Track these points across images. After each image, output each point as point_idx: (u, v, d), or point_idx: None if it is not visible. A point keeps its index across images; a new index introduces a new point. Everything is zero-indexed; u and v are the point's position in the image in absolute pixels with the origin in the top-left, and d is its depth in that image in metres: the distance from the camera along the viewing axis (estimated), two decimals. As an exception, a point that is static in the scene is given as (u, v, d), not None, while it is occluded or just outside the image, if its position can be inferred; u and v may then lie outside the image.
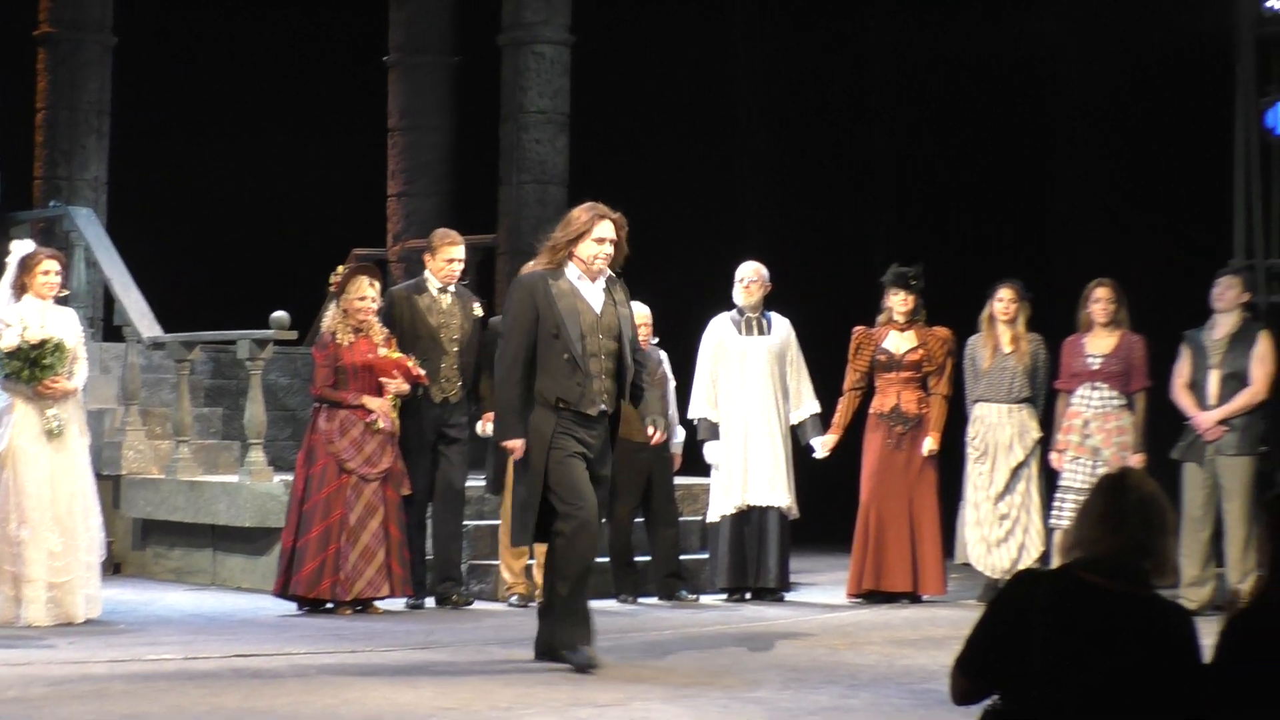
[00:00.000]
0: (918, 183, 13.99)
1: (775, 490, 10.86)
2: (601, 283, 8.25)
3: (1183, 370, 10.64)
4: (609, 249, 8.17)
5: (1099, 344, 10.72)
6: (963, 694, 4.86)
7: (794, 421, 11.05)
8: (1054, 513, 10.58)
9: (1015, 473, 10.87)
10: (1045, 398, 10.99)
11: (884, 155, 14.15)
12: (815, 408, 11.07)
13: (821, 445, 11.01)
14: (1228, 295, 10.55)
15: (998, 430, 10.89)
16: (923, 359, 10.93)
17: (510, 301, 8.31)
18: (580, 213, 8.20)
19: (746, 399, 10.92)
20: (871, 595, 10.84)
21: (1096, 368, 10.67)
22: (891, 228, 13.96)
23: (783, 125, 14.05)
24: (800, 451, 11.07)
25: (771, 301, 11.07)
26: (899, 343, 10.96)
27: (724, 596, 10.93)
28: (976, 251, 13.07)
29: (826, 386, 11.17)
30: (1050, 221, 13.72)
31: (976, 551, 10.88)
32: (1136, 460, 10.51)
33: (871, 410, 10.98)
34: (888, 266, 11.13)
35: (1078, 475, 10.49)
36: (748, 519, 10.86)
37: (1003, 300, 10.93)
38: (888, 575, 10.85)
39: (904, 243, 12.69)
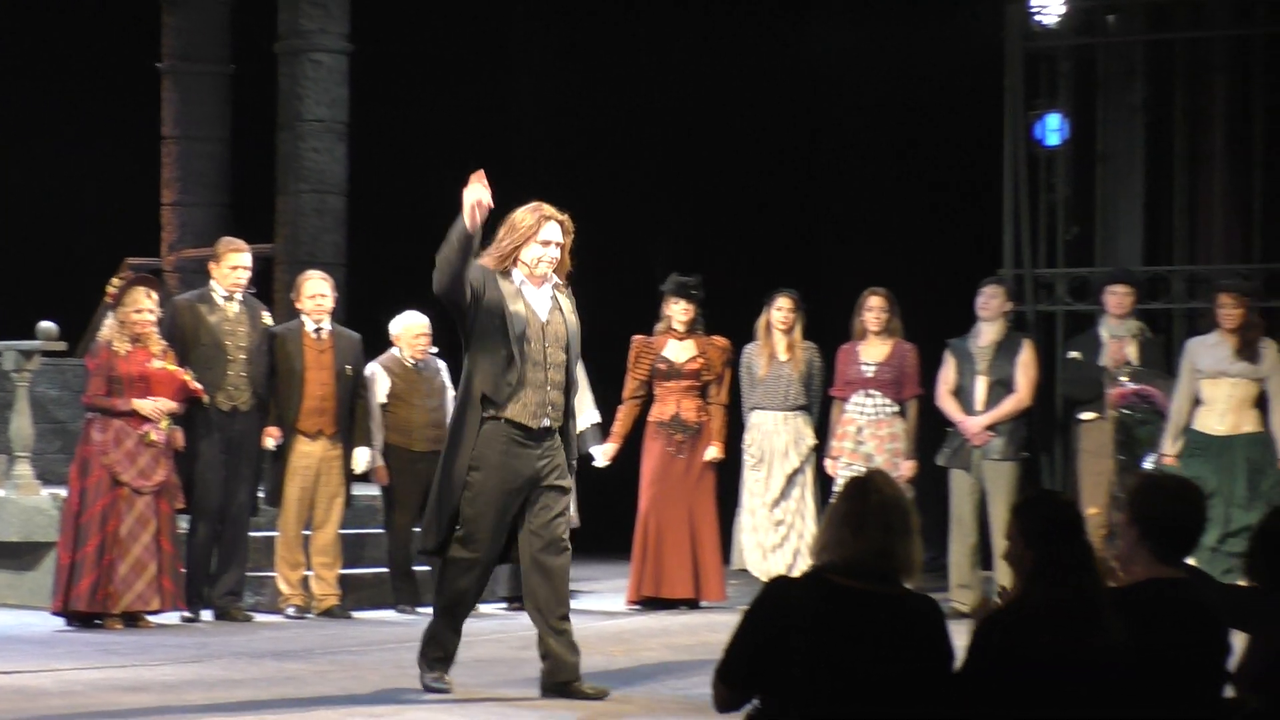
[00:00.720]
0: (696, 194, 14.14)
1: (558, 502, 10.92)
2: (548, 289, 7.69)
3: (947, 377, 10.91)
4: (555, 252, 7.63)
5: (872, 352, 10.96)
6: (724, 702, 4.93)
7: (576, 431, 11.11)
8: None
9: (791, 479, 11.05)
10: (820, 405, 11.19)
11: (664, 167, 14.30)
12: (595, 417, 11.16)
13: (602, 454, 11.11)
14: (992, 304, 10.84)
15: (774, 437, 11.06)
16: (702, 368, 11.07)
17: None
18: (525, 214, 7.64)
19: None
20: (651, 602, 10.95)
21: (870, 375, 10.90)
22: (671, 238, 14.10)
23: (563, 136, 14.14)
24: (581, 460, 11.13)
25: (550, 311, 11.11)
26: (678, 352, 11.10)
27: (504, 605, 10.97)
28: (753, 261, 13.24)
29: (606, 396, 11.27)
30: (825, 232, 13.96)
31: (753, 557, 11.04)
32: (908, 467, 10.77)
33: (651, 419, 11.10)
34: (667, 276, 11.26)
35: (851, 481, 10.68)
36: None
37: (780, 309, 11.12)
38: (667, 582, 10.98)
39: (683, 253, 12.83)
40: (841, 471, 10.83)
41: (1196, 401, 10.47)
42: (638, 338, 11.19)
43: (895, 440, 10.89)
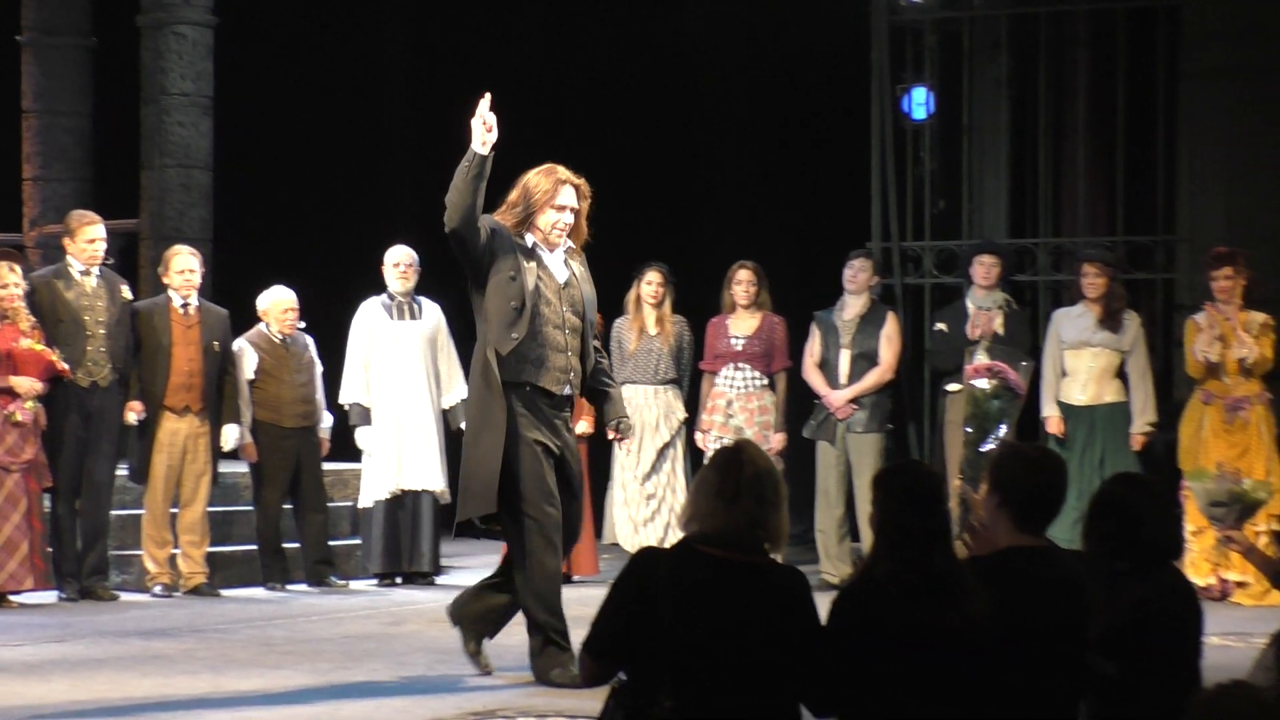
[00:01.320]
0: (565, 166, 14.15)
1: (429, 474, 10.97)
2: (560, 254, 7.46)
3: (813, 350, 11.04)
4: (569, 218, 7.38)
5: (741, 325, 11.05)
6: (591, 675, 4.96)
7: (445, 406, 11.15)
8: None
9: (661, 453, 11.13)
10: (690, 379, 11.27)
11: (531, 138, 14.30)
12: (466, 392, 11.17)
13: (472, 431, 11.12)
14: (859, 277, 10.97)
15: (644, 411, 11.12)
16: (571, 343, 11.12)
17: None
18: (539, 177, 7.38)
19: (399, 384, 10.99)
20: (523, 578, 10.99)
21: (739, 349, 11.00)
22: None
23: (431, 107, 14.10)
24: (452, 435, 11.18)
25: (422, 286, 11.16)
26: (547, 327, 11.13)
27: (375, 582, 10.99)
28: (622, 235, 13.23)
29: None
30: (695, 205, 14.01)
31: (624, 531, 11.13)
32: (778, 440, 10.88)
33: (499, 393, 11.11)
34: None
35: (722, 454, 10.76)
36: (401, 504, 10.94)
37: (650, 283, 11.18)
38: (540, 557, 11.01)
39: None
40: (712, 445, 10.92)
41: (1063, 372, 10.69)
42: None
43: (765, 413, 11.00)
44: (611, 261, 11.68)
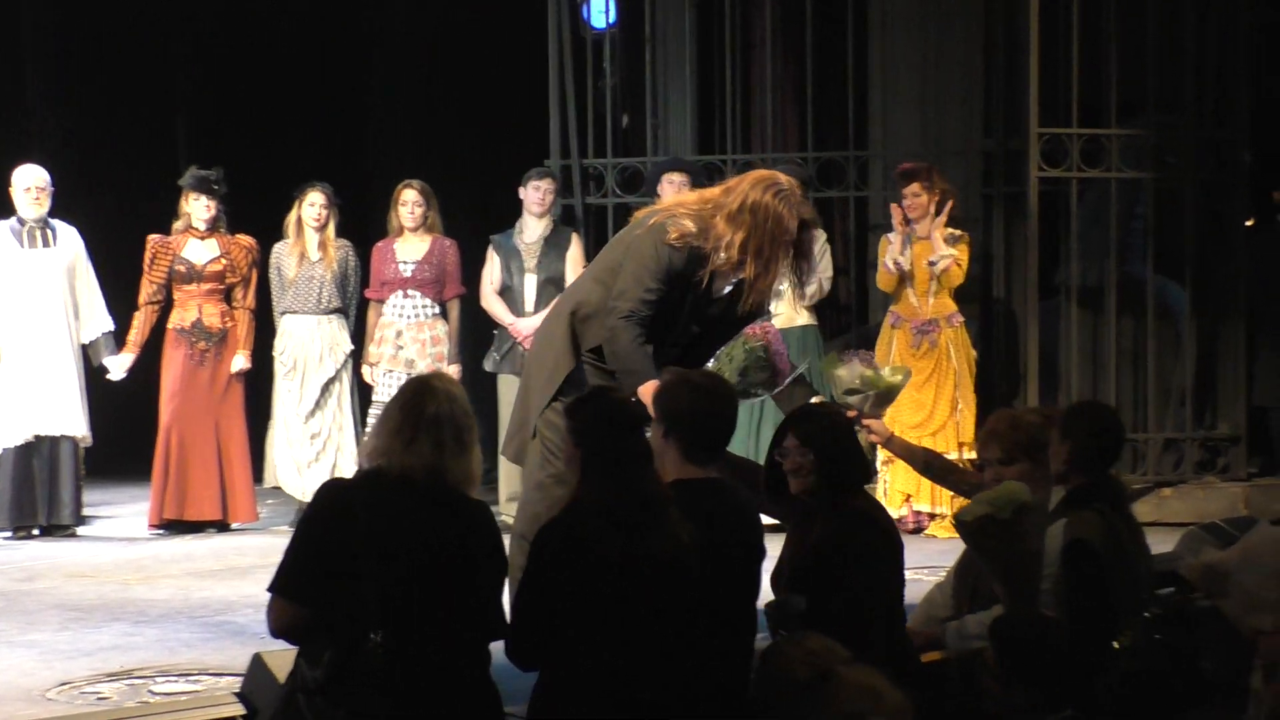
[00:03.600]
0: (219, 79, 13.72)
1: (68, 418, 10.51)
2: None
3: (492, 276, 10.83)
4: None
5: (410, 250, 10.78)
6: (286, 621, 4.85)
7: (85, 341, 10.70)
8: (369, 431, 10.59)
9: (326, 389, 10.83)
10: (358, 308, 11.00)
11: (181, 51, 13.84)
12: (108, 325, 10.75)
13: (117, 365, 10.72)
14: (539, 197, 10.80)
15: (307, 344, 10.82)
16: (226, 269, 10.76)
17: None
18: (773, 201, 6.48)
19: (31, 319, 10.50)
20: (176, 525, 10.64)
21: (408, 275, 10.73)
22: (191, 128, 13.67)
23: (71, 24, 13.52)
24: (93, 373, 10.74)
25: (55, 209, 10.67)
26: (200, 252, 10.76)
27: (8, 535, 10.50)
28: (281, 154, 12.92)
29: (120, 301, 10.86)
30: (360, 122, 13.73)
31: (287, 475, 10.81)
32: (454, 371, 10.64)
33: (170, 325, 10.75)
34: (186, 169, 10.89)
35: (392, 389, 10.52)
36: (36, 450, 10.48)
37: (313, 205, 10.80)
38: (192, 503, 10.69)
39: (203, 144, 12.43)
40: (380, 379, 10.67)
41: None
42: (153, 237, 10.78)
43: (438, 344, 10.76)
44: (271, 182, 11.46)
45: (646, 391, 6.02)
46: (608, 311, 6.43)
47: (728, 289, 6.55)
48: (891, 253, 10.44)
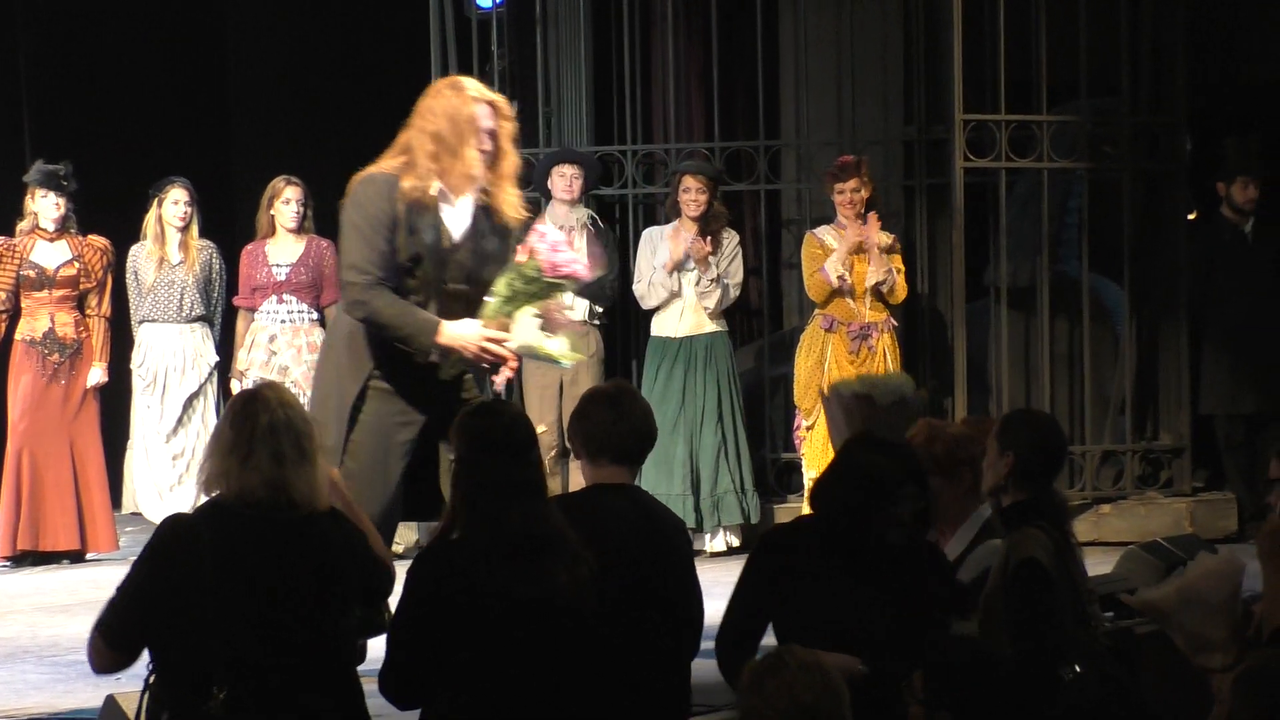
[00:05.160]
0: (68, 68, 13.28)
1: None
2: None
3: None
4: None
5: (283, 252, 10.53)
6: (107, 664, 4.76)
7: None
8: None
9: (189, 405, 10.67)
10: (223, 316, 10.78)
11: (27, 34, 13.37)
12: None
13: (-46, 380, 10.32)
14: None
15: (168, 356, 10.64)
16: (79, 274, 10.44)
17: None
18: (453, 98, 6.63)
19: None
20: (28, 557, 10.32)
21: (283, 279, 10.47)
22: (37, 119, 13.19)
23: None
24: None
25: None
26: (50, 255, 10.46)
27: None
28: (139, 145, 12.54)
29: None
30: (224, 111, 13.35)
31: (147, 498, 10.68)
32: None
33: (18, 337, 10.43)
34: (31, 164, 10.55)
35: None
36: None
37: (177, 203, 10.61)
38: (47, 533, 10.40)
39: (51, 137, 11.96)
40: (250, 391, 10.26)
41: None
42: (-3, 239, 10.40)
43: (314, 350, 10.39)
44: (123, 179, 11.07)
45: (447, 333, 6.27)
46: (343, 290, 6.48)
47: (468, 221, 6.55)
48: (834, 262, 10.05)
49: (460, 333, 6.33)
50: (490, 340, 6.31)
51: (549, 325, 6.41)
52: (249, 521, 4.67)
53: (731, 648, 5.21)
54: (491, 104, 6.59)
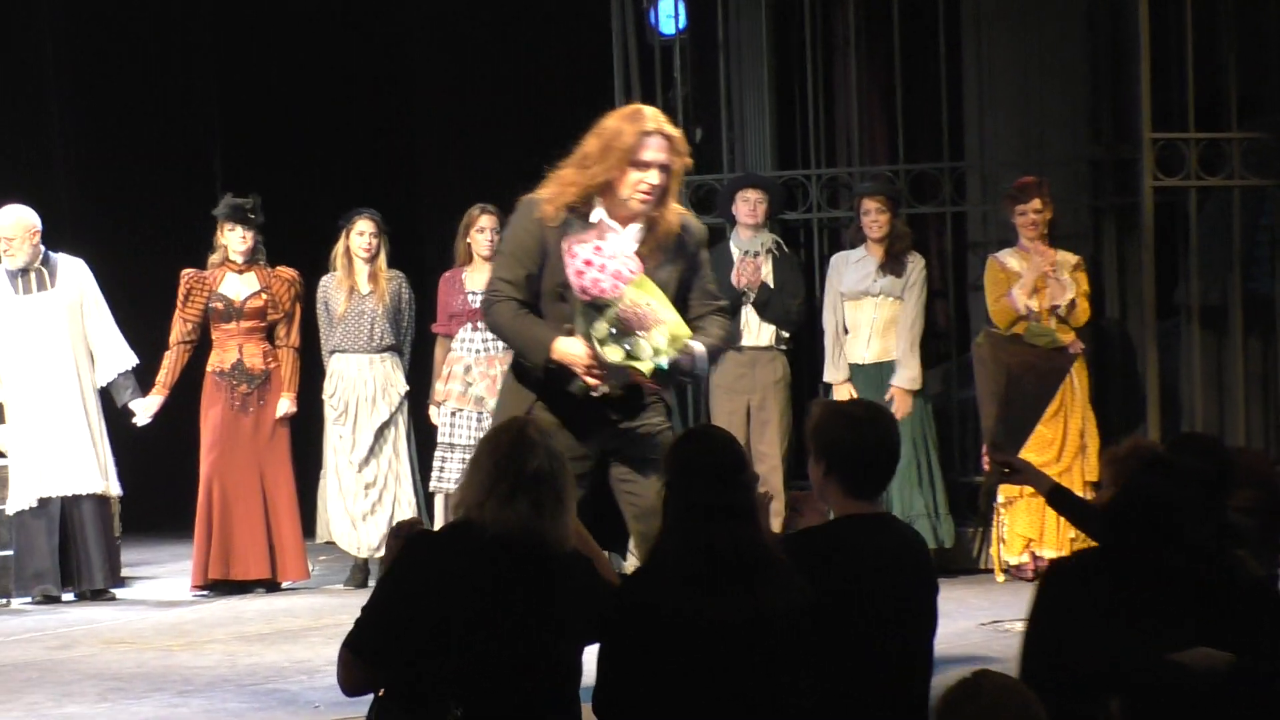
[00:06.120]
0: (257, 104, 13.63)
1: (82, 474, 10.35)
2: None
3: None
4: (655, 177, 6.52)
5: (481, 279, 10.45)
6: (357, 681, 4.78)
7: (103, 383, 10.54)
8: (435, 475, 10.42)
9: (380, 434, 10.68)
10: (413, 344, 10.86)
11: (217, 73, 13.77)
12: (128, 362, 10.58)
13: (143, 409, 10.56)
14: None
15: (359, 385, 10.68)
16: (266, 305, 10.64)
17: None
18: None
19: (33, 370, 10.36)
20: (221, 586, 10.53)
21: (478, 306, 10.51)
22: (226, 154, 13.58)
23: (89, 36, 13.44)
24: (117, 420, 10.57)
25: (71, 241, 10.57)
26: (238, 287, 10.65)
27: (28, 600, 10.34)
28: (322, 180, 12.83)
29: (147, 342, 10.74)
30: (411, 143, 13.63)
31: (340, 529, 10.67)
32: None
33: (209, 368, 10.65)
34: (221, 198, 10.79)
35: (461, 430, 10.34)
36: (46, 513, 10.32)
37: (363, 234, 10.68)
38: (238, 562, 10.59)
39: (240, 171, 12.30)
40: (447, 419, 10.41)
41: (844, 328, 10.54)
42: (187, 271, 10.67)
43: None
44: (313, 212, 11.34)
45: (558, 349, 6.25)
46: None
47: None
48: (1021, 292, 10.14)
49: (569, 350, 6.27)
50: (594, 356, 6.24)
51: (629, 330, 6.21)
52: (498, 553, 4.70)
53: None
54: (666, 136, 6.46)
